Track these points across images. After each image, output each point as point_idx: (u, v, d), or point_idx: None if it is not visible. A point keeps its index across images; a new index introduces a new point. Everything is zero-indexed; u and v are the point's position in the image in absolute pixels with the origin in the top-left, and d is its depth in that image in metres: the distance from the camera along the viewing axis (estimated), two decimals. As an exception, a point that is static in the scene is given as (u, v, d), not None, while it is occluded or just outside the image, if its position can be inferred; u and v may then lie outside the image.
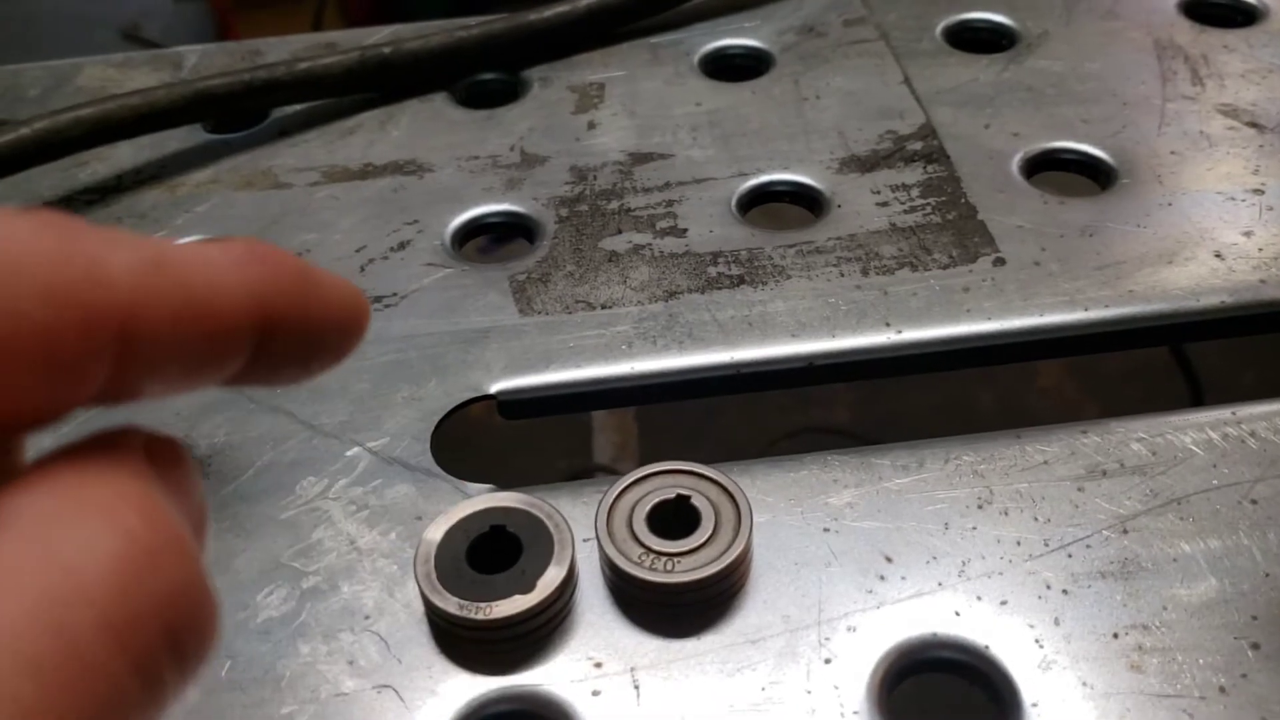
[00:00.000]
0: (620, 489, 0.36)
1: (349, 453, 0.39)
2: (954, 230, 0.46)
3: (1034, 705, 0.31)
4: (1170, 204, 0.47)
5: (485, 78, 0.58)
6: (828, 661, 0.33)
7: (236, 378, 0.20)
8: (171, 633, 0.16)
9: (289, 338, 0.20)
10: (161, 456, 0.18)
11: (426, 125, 0.55)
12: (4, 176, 0.49)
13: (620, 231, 0.48)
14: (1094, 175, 0.50)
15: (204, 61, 0.60)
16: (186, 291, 0.18)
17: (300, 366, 0.21)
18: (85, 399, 0.17)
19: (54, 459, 0.17)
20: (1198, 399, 0.93)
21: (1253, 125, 0.51)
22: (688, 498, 0.35)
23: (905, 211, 0.47)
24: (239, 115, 0.56)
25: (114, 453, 0.17)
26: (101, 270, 0.17)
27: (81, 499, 0.16)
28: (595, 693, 0.33)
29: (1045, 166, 0.51)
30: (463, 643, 0.33)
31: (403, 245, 0.48)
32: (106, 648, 0.15)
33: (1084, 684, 0.32)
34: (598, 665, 0.33)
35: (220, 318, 0.19)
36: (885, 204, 0.48)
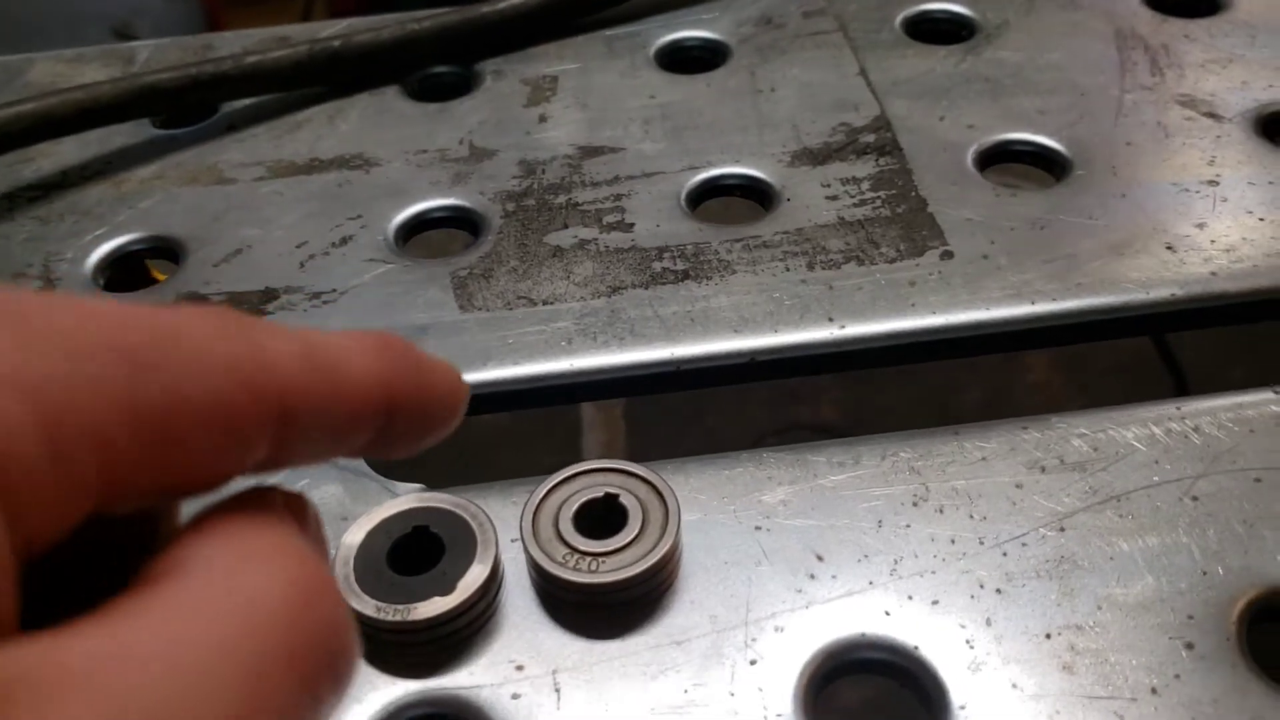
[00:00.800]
0: (548, 488, 0.35)
1: (278, 451, 0.39)
2: (903, 224, 0.46)
3: (962, 708, 0.31)
4: (1124, 195, 0.46)
5: (438, 70, 0.57)
6: (753, 663, 0.32)
7: (360, 450, 0.23)
8: (331, 657, 0.19)
9: (408, 416, 0.23)
10: (296, 509, 0.21)
11: (376, 119, 0.54)
12: (-58, 173, 0.49)
13: (566, 226, 0.47)
14: (1048, 167, 0.49)
15: (156, 56, 0.60)
16: (333, 376, 0.21)
17: (414, 440, 0.23)
18: (248, 467, 0.20)
19: (216, 513, 0.20)
20: (1183, 392, 0.92)
21: (1210, 115, 0.50)
22: (616, 496, 0.35)
23: (854, 205, 0.47)
24: (186, 110, 0.55)
25: (266, 508, 0.20)
26: (267, 356, 0.20)
27: (252, 549, 0.19)
28: (515, 695, 0.32)
29: (1000, 158, 0.50)
30: (383, 646, 0.33)
31: (345, 240, 0.47)
32: (284, 669, 0.17)
33: (1014, 685, 0.31)
34: (519, 668, 0.32)
35: (358, 400, 0.21)
36: (835, 197, 0.47)
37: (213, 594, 0.18)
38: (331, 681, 0.19)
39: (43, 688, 0.15)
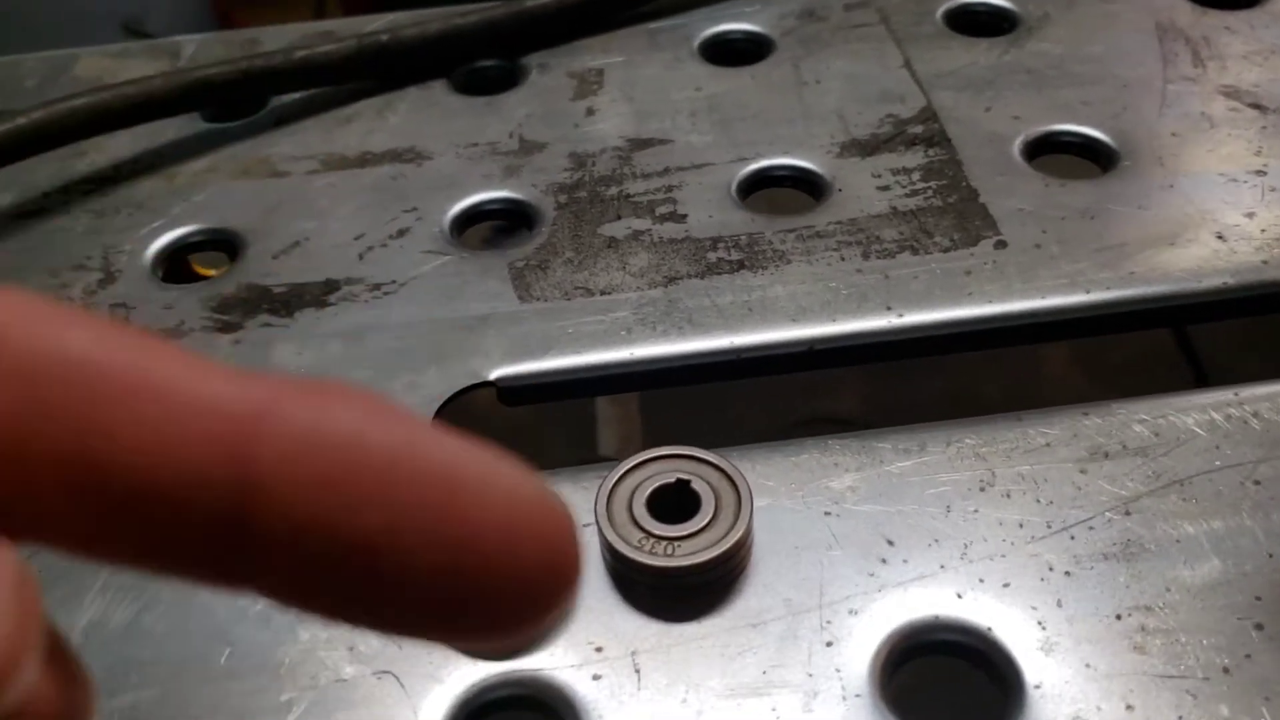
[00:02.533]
0: (620, 473, 0.36)
1: (348, 440, 0.39)
2: (955, 214, 0.46)
3: (1036, 687, 0.31)
4: (1172, 186, 0.47)
5: (484, 65, 0.57)
6: (829, 644, 0.33)
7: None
8: None
9: None
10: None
11: (425, 113, 0.55)
12: (1, 166, 0.49)
13: (619, 217, 0.48)
14: (1095, 158, 0.50)
15: (201, 51, 0.60)
16: None
17: None
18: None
19: None
20: (1202, 384, 0.93)
21: (1255, 106, 0.51)
22: (688, 482, 0.35)
23: (906, 195, 0.47)
24: (236, 104, 0.56)
25: None
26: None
27: None
28: (596, 677, 0.32)
29: (1046, 149, 0.50)
30: (463, 628, 0.33)
31: (401, 233, 0.48)
32: None
33: (1087, 665, 0.31)
34: (598, 650, 0.33)
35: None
36: (886, 188, 0.48)
37: None
38: None
39: None
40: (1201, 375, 0.94)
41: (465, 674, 0.33)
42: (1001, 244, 0.45)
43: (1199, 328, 0.92)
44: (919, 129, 0.51)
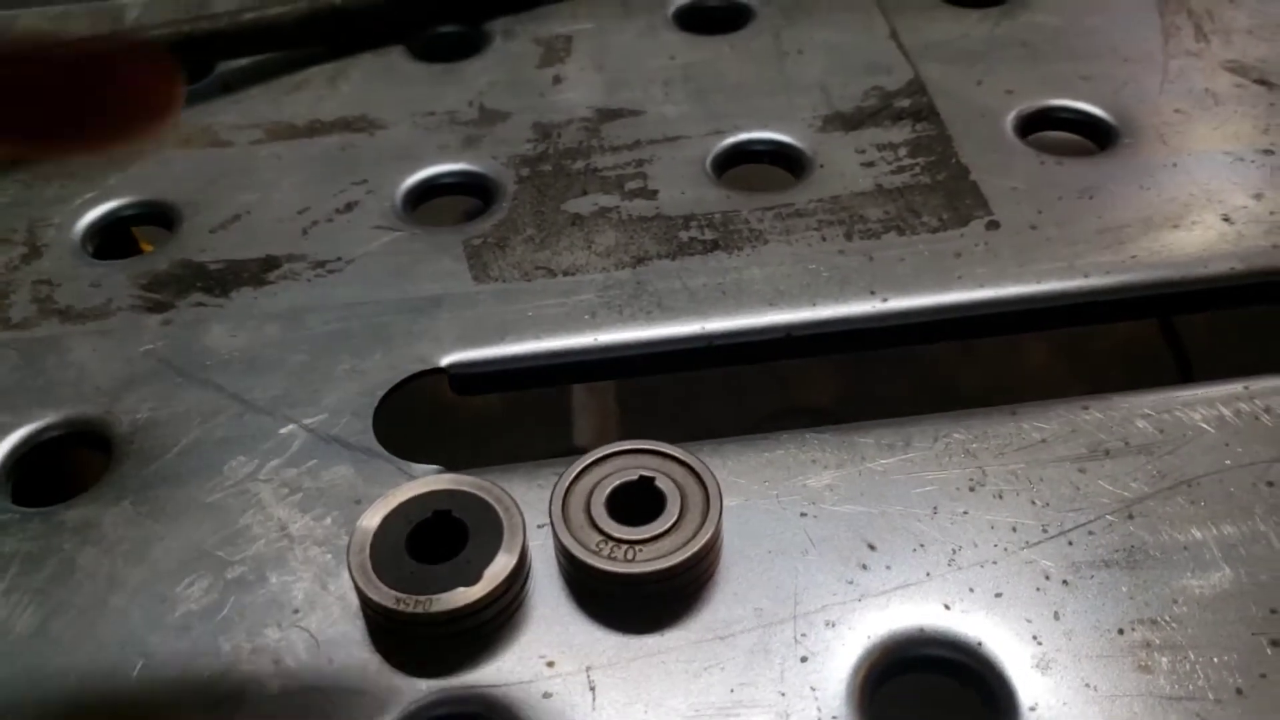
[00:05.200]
0: (578, 470, 0.33)
1: (283, 430, 0.36)
2: (944, 192, 0.43)
3: (1032, 709, 0.28)
4: (1175, 165, 0.44)
5: (444, 30, 0.54)
6: (804, 659, 0.30)
7: None
8: None
9: None
10: None
11: (380, 80, 0.51)
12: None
13: (585, 193, 0.44)
14: (1093, 135, 0.47)
15: (147, 14, 0.56)
16: None
17: None
18: None
19: None
20: (1188, 378, 0.90)
21: (1261, 83, 0.48)
22: (651, 480, 0.32)
23: (892, 172, 0.44)
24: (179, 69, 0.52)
25: None
26: None
27: None
28: (546, 694, 0.29)
29: (1041, 125, 0.47)
30: (402, 640, 0.30)
31: (349, 206, 0.44)
32: None
33: (1087, 685, 0.29)
34: (550, 664, 0.30)
35: None
36: (871, 164, 0.45)
37: None
38: None
39: None
40: (1187, 367, 0.91)
41: (402, 691, 0.30)
42: (994, 224, 0.42)
43: (1185, 317, 0.89)
44: (906, 102, 0.48)
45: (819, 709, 0.29)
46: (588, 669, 0.30)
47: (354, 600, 0.31)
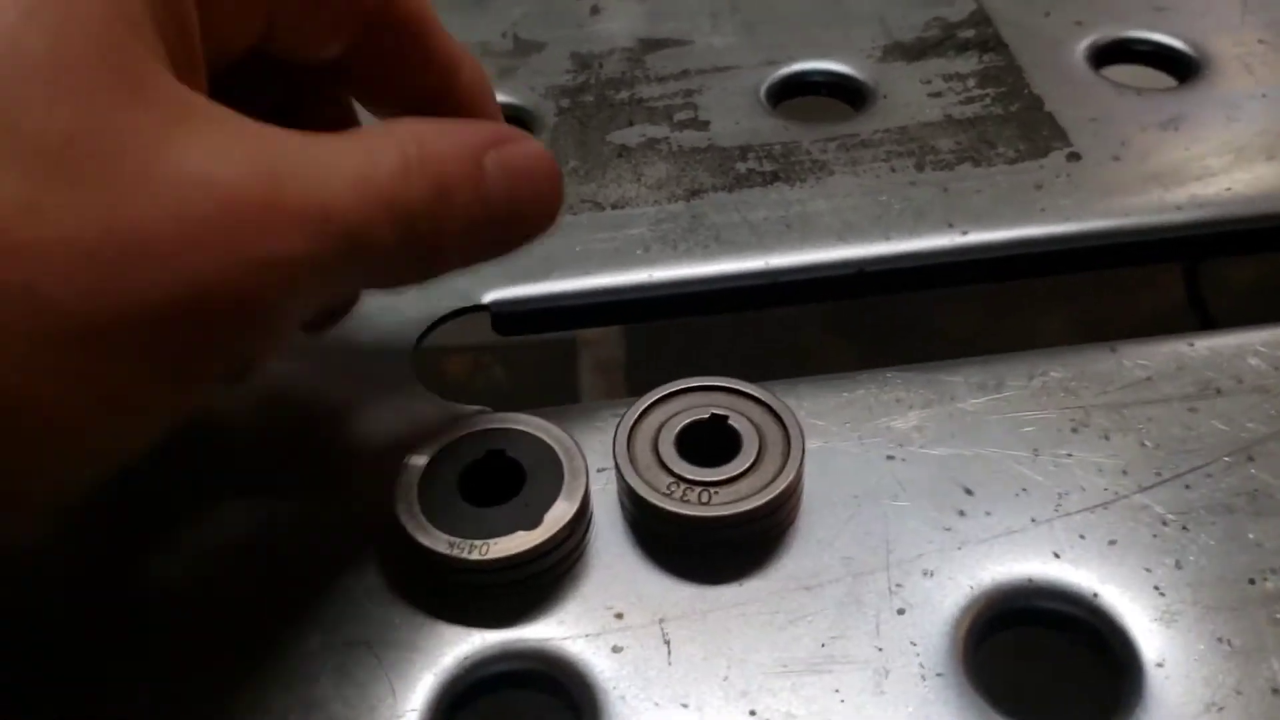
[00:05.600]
0: (643, 408, 0.30)
1: (315, 368, 0.33)
2: (1019, 123, 0.40)
3: (1159, 665, 0.26)
4: (1264, 95, 0.41)
5: (473, -40, 0.51)
6: (901, 612, 0.27)
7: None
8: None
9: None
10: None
11: (406, 10, 0.48)
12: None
13: (632, 124, 0.41)
14: (1171, 67, 0.44)
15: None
16: None
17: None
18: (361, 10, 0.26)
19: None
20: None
21: (1350, 13, 0.45)
22: (725, 418, 0.29)
23: (962, 103, 0.41)
24: None
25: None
26: None
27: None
28: (616, 649, 0.26)
29: (1114, 58, 0.44)
30: (453, 589, 0.27)
31: (379, 137, 0.41)
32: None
33: (1219, 640, 0.26)
34: (618, 616, 0.27)
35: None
36: (938, 94, 0.42)
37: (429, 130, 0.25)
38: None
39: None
40: (1209, 323, 0.88)
41: (455, 644, 0.27)
42: (1074, 156, 0.39)
43: (1210, 280, 0.86)
44: (970, 33, 0.45)
45: (921, 665, 0.26)
46: (660, 621, 0.27)
47: (399, 547, 0.28)
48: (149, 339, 0.19)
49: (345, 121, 0.30)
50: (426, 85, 0.28)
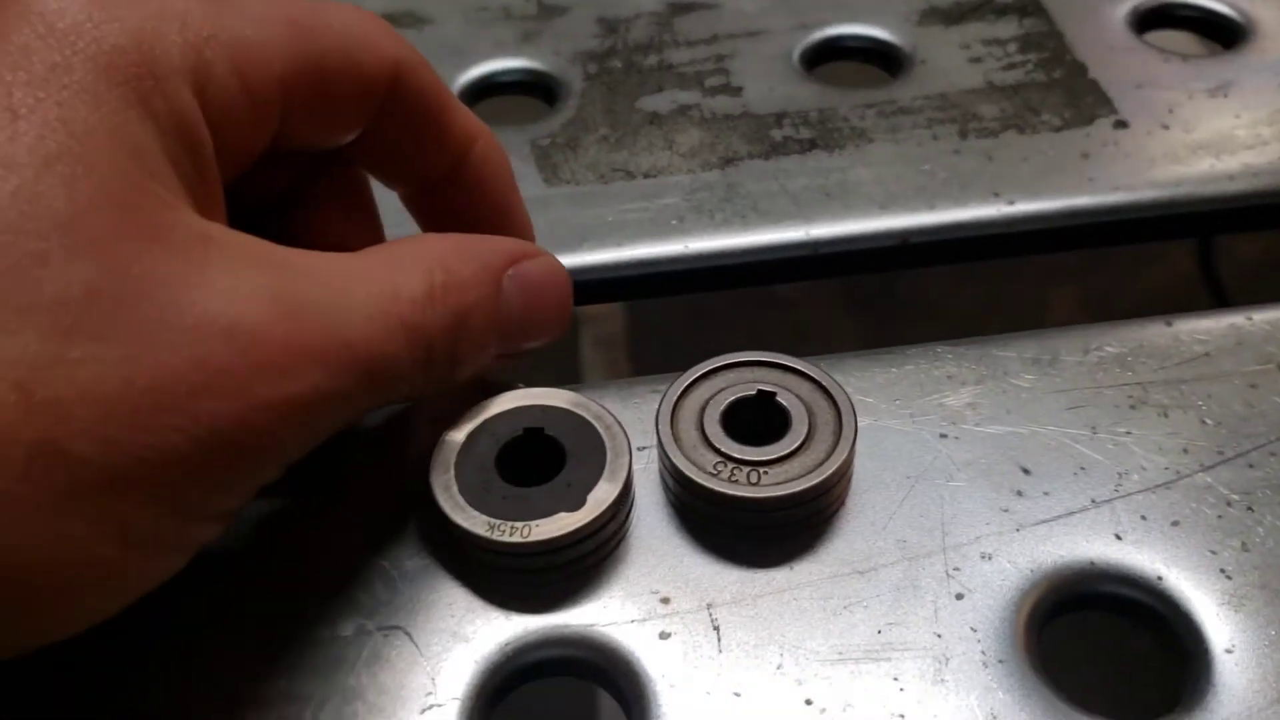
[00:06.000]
0: (686, 384, 0.29)
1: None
2: (1063, 89, 0.39)
3: (1228, 651, 0.25)
4: (1316, 62, 0.40)
5: (492, -78, 0.49)
6: (959, 596, 0.26)
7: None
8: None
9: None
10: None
11: (424, -28, 0.46)
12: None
13: (661, 89, 0.40)
14: (1218, 33, 0.42)
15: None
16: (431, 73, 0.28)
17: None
18: (367, 118, 0.26)
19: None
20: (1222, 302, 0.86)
21: (1401, -24, 0.43)
22: (772, 395, 0.28)
23: (1003, 69, 0.40)
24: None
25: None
26: (388, 34, 0.27)
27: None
28: (664, 635, 0.26)
29: (1157, 24, 0.43)
30: (493, 572, 0.26)
31: (400, 104, 0.40)
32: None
33: (1292, 625, 0.25)
34: (665, 601, 0.26)
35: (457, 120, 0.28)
36: (978, 59, 0.40)
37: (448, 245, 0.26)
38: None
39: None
40: (1223, 302, 0.87)
41: (497, 629, 0.26)
42: (1122, 124, 0.37)
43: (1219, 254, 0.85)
44: (1009, -2, 0.43)
45: (983, 652, 0.25)
46: (709, 606, 0.26)
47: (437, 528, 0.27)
48: (169, 482, 0.20)
49: (361, 194, 0.29)
50: (441, 162, 0.28)
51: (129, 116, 0.21)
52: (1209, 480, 0.28)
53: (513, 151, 0.38)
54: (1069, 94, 0.39)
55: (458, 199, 0.28)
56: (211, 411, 0.20)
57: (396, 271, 0.24)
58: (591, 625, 0.26)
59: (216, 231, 0.22)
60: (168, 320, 0.20)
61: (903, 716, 0.24)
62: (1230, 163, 0.36)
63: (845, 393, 0.28)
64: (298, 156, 0.27)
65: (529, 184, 0.37)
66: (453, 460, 0.27)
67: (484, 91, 0.42)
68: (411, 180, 0.29)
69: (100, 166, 0.20)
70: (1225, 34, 0.42)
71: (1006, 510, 0.27)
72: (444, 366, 0.25)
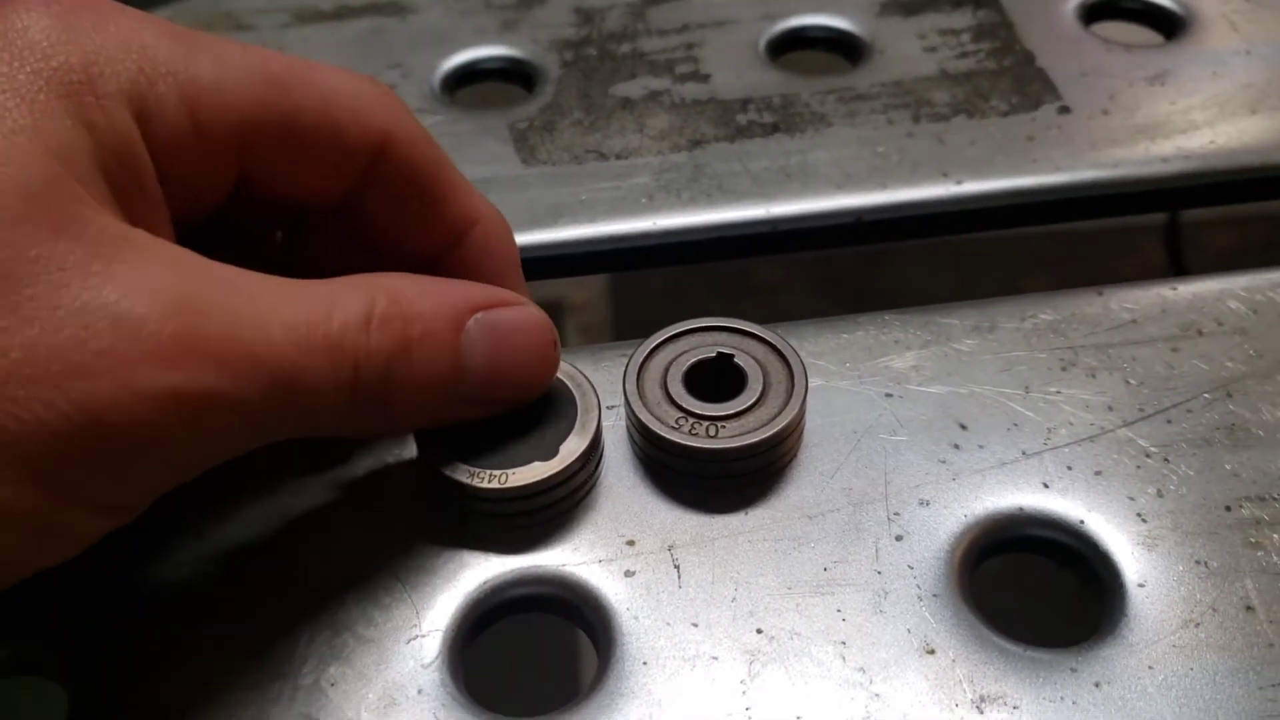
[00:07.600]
0: (651, 347, 0.31)
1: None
2: (1012, 77, 0.41)
3: (1141, 585, 0.27)
4: (1248, 52, 0.42)
5: (474, -85, 0.51)
6: (899, 538, 0.28)
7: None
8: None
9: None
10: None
11: (409, -37, 0.49)
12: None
13: (634, 76, 0.42)
14: (1159, 24, 0.45)
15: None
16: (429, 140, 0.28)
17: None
18: (347, 184, 0.27)
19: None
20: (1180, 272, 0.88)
21: (1332, -28, 0.46)
22: (730, 356, 0.30)
23: (956, 57, 0.42)
24: (194, -50, 0.49)
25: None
26: (383, 98, 0.27)
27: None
28: (629, 573, 0.28)
29: (1103, 15, 0.46)
30: (474, 517, 0.29)
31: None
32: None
33: (1197, 562, 0.27)
34: (630, 543, 0.28)
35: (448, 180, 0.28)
36: (933, 49, 0.43)
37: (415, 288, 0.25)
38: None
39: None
40: (1179, 263, 0.90)
41: (478, 571, 0.28)
42: (1065, 109, 0.40)
43: (1189, 243, 0.87)
44: (964, -10, 0.46)
45: (918, 587, 0.27)
46: (670, 547, 0.28)
47: (419, 477, 0.29)
48: (34, 457, 0.20)
49: (352, 252, 0.29)
50: (431, 242, 0.28)
51: (63, 124, 0.21)
52: (1130, 435, 0.30)
53: (492, 134, 0.40)
54: (1017, 81, 0.41)
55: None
56: (86, 391, 0.20)
57: (337, 294, 0.23)
58: (563, 565, 0.28)
59: (139, 236, 0.22)
60: (56, 301, 0.20)
61: (844, 643, 0.26)
62: (1165, 146, 0.38)
63: (798, 354, 0.30)
64: (284, 205, 0.27)
65: (508, 165, 0.39)
66: (435, 415, 0.29)
67: (465, 78, 0.44)
68: (400, 256, 0.28)
69: (18, 160, 0.21)
70: (1167, 25, 0.45)
71: (944, 462, 0.30)
72: (376, 398, 0.24)
